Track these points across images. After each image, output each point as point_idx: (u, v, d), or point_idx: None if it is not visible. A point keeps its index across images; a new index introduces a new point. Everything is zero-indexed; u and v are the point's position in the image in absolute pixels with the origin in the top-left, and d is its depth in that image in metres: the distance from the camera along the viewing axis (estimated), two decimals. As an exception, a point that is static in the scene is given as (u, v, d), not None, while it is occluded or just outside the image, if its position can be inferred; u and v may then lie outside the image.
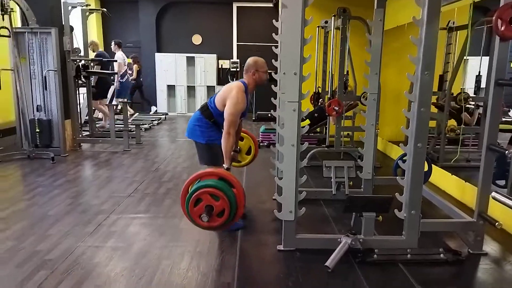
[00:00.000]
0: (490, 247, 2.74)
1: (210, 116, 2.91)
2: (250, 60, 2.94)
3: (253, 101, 8.99)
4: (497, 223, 2.38)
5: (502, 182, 3.08)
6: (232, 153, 2.95)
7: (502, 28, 2.25)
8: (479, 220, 2.55)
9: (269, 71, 3.02)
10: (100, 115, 7.74)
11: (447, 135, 4.36)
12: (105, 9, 6.95)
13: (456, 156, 3.92)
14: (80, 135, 6.00)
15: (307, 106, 5.70)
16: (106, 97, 7.37)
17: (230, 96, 2.78)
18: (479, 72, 4.62)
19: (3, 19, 4.71)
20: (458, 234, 2.81)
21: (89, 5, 6.45)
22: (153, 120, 8.55)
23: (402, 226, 2.54)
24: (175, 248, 2.66)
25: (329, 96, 5.01)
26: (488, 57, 4.41)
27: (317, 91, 5.97)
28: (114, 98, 7.93)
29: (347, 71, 5.19)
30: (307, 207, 2.64)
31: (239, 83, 2.89)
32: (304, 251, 2.60)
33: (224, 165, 2.81)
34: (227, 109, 2.76)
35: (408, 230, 2.49)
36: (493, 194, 2.22)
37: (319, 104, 5.76)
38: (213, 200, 2.31)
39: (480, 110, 5.02)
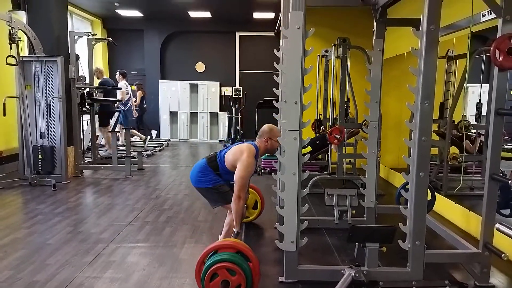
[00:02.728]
0: (497, 279, 2.67)
1: (216, 169, 2.91)
2: (266, 127, 2.97)
3: (255, 126, 9.02)
4: (503, 255, 2.33)
5: (507, 211, 3.03)
6: None
7: (500, 59, 2.28)
8: (484, 251, 2.50)
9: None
10: (103, 141, 7.79)
11: (449, 163, 4.34)
12: (110, 39, 7.10)
13: (459, 184, 3.88)
14: (82, 162, 6.01)
15: (308, 134, 5.71)
16: (109, 125, 7.43)
17: (241, 159, 2.78)
18: (480, 99, 4.64)
19: (10, 48, 4.83)
20: (464, 266, 2.74)
21: (95, 34, 6.61)
22: (156, 147, 8.58)
23: (406, 257, 2.49)
24: (175, 280, 2.61)
25: (330, 123, 5.04)
26: (488, 84, 4.44)
27: (318, 118, 6.01)
28: (117, 126, 7.99)
29: (348, 98, 5.24)
30: (309, 237, 2.60)
31: (251, 146, 2.90)
32: (307, 283, 2.54)
33: (234, 229, 2.76)
34: (237, 172, 2.76)
35: (413, 261, 2.44)
36: (497, 225, 2.18)
37: (321, 131, 5.78)
38: (229, 275, 2.26)
39: (482, 138, 5.01)
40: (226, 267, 2.26)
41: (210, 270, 2.26)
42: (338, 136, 4.59)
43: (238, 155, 2.82)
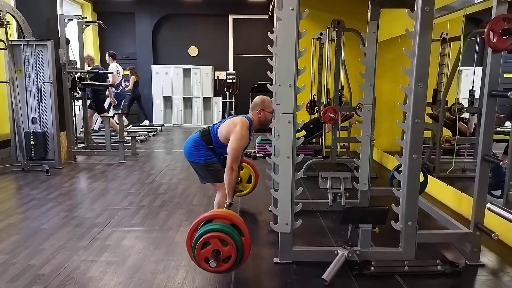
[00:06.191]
0: (488, 258, 2.73)
1: (209, 142, 2.93)
2: (257, 98, 2.98)
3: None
4: (493, 234, 2.37)
5: (498, 192, 3.08)
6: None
7: (494, 40, 2.28)
8: (475, 231, 2.55)
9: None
10: (95, 126, 7.74)
11: (442, 145, 4.37)
12: (101, 22, 6.97)
13: (451, 166, 3.92)
14: (76, 147, 5.97)
15: (302, 117, 5.68)
16: (106, 111, 7.36)
17: (234, 131, 2.79)
18: (472, 86, 4.65)
19: (-1, 32, 4.73)
20: (455, 246, 2.80)
21: (86, 17, 6.48)
22: (149, 132, 8.53)
23: (399, 238, 2.53)
24: (170, 262, 2.63)
25: (324, 103, 5.02)
26: (481, 68, 4.45)
27: (313, 99, 5.96)
28: (111, 110, 7.93)
29: (342, 86, 5.23)
30: (304, 219, 2.62)
31: (244, 118, 2.91)
32: (301, 264, 2.57)
33: (226, 200, 2.82)
34: (230, 144, 2.78)
35: (405, 241, 2.48)
36: (488, 205, 2.21)
37: (315, 111, 5.77)
38: (221, 245, 2.26)
39: (475, 120, 5.04)
40: (219, 237, 2.25)
41: (203, 238, 2.25)
42: (332, 115, 4.59)
43: (231, 128, 2.83)
